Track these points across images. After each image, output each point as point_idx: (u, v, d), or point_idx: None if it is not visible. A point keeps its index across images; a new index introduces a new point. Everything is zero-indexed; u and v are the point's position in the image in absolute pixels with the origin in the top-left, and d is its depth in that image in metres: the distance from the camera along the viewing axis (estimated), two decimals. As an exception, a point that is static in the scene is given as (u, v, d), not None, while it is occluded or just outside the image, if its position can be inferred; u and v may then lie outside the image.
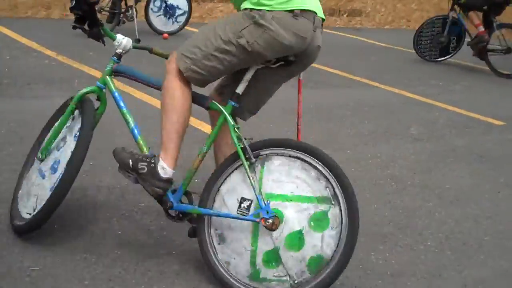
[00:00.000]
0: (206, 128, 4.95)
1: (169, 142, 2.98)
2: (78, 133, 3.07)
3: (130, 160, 2.96)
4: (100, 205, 3.47)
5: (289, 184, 2.74)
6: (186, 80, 2.95)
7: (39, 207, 2.96)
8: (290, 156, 2.79)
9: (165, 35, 8.78)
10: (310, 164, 2.75)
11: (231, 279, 2.77)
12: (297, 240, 2.70)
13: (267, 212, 2.67)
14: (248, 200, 2.76)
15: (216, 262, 2.81)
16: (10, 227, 3.09)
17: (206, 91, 3.17)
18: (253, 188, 2.70)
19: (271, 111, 5.69)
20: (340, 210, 2.70)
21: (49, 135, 3.26)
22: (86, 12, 3.08)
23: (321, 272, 2.70)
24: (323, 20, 2.91)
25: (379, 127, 5.62)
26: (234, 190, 2.82)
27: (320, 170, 2.73)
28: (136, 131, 3.10)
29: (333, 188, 2.72)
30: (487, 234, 3.73)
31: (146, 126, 4.83)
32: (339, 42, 10.28)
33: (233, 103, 2.94)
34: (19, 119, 4.64)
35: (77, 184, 3.65)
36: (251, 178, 2.70)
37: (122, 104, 3.18)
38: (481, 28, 8.94)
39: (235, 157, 2.85)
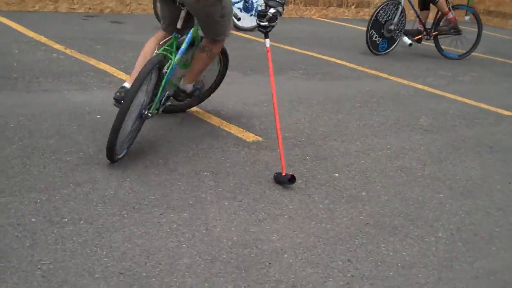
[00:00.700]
0: (214, 120, 4.95)
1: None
2: None
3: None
4: (109, 197, 3.47)
5: None
6: None
7: None
8: None
9: None
10: None
11: None
12: None
13: None
14: None
15: None
16: (20, 220, 3.10)
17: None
18: None
19: (280, 103, 5.68)
20: None
21: None
22: None
23: None
24: None
25: (388, 119, 5.60)
26: None
27: None
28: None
29: None
30: (498, 225, 3.71)
31: (154, 119, 4.84)
32: (347, 34, 10.24)
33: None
34: (28, 113, 4.65)
35: (86, 177, 3.67)
36: None
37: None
38: (451, 15, 8.91)
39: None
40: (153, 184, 3.71)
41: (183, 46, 4.31)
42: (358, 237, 3.36)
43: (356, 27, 11.38)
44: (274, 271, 2.93)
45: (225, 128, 4.81)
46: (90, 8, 9.66)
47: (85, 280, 2.70)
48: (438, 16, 8.99)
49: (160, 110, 4.39)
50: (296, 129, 4.99)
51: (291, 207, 3.62)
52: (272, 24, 4.17)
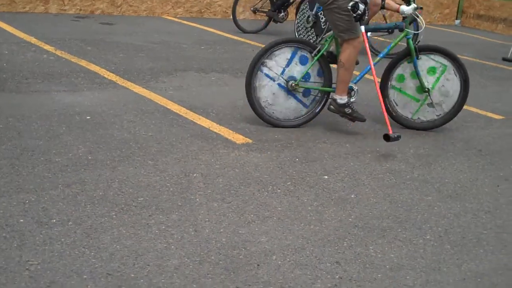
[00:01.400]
0: (204, 122, 4.95)
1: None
2: None
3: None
4: (98, 199, 3.47)
5: None
6: None
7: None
8: None
9: None
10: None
11: None
12: None
13: None
14: None
15: None
16: (8, 221, 3.09)
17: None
18: None
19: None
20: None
21: None
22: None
23: None
24: None
25: (378, 121, 5.61)
26: None
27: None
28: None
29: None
30: (486, 228, 3.73)
31: (144, 120, 4.85)
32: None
33: None
34: (17, 114, 4.63)
35: (75, 178, 3.67)
36: None
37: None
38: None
39: None
40: (142, 185, 3.71)
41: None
42: (346, 239, 3.36)
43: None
44: (263, 273, 2.93)
45: (215, 130, 4.81)
46: (80, 10, 9.64)
47: (73, 281, 2.69)
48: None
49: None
50: (286, 131, 5.00)
51: (280, 209, 3.63)
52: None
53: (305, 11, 8.71)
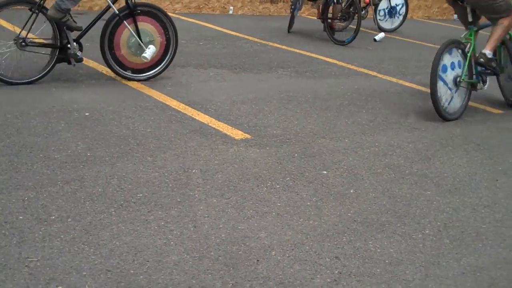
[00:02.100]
0: (203, 118, 4.95)
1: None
2: None
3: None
4: (97, 195, 3.47)
5: None
6: None
7: None
8: None
9: None
10: None
11: None
12: None
13: None
14: None
15: None
16: (7, 218, 3.09)
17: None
18: None
19: (269, 101, 5.69)
20: None
21: None
22: None
23: None
24: None
25: (377, 116, 5.62)
26: None
27: None
28: None
29: None
30: (485, 222, 3.73)
31: (143, 116, 4.85)
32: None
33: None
34: (15, 111, 4.63)
35: (74, 175, 3.67)
36: None
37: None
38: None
39: None
40: (141, 181, 3.71)
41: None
42: (345, 234, 3.37)
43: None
44: (262, 268, 2.94)
45: (214, 126, 4.81)
46: (79, 6, 9.60)
47: (73, 278, 2.70)
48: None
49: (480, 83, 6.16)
50: (284, 127, 5.00)
51: (279, 204, 3.63)
52: None
53: None
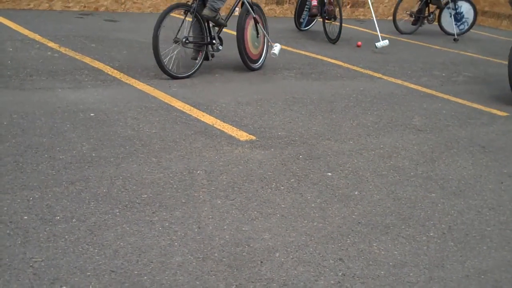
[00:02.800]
0: (208, 119, 4.95)
1: None
2: None
3: None
4: (102, 196, 3.48)
5: None
6: None
7: None
8: None
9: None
10: None
11: None
12: None
13: None
14: None
15: None
16: (12, 218, 3.10)
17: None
18: None
19: (274, 102, 5.70)
20: None
21: None
22: None
23: None
24: None
25: (382, 118, 5.61)
26: None
27: None
28: None
29: None
30: (490, 225, 3.73)
31: (148, 117, 4.85)
32: (342, 33, 10.25)
33: None
34: (21, 111, 4.64)
35: (79, 175, 3.67)
36: None
37: None
38: (314, 2, 9.36)
39: None
40: (145, 182, 3.72)
41: None
42: (350, 236, 3.37)
43: (351, 26, 11.39)
44: (266, 270, 2.94)
45: (219, 127, 4.82)
46: (85, 6, 9.65)
47: (77, 278, 2.70)
48: None
49: None
50: (289, 128, 5.00)
51: (283, 206, 3.63)
52: None
53: None
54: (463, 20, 11.68)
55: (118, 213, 3.31)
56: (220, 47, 6.57)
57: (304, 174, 4.14)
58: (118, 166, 3.89)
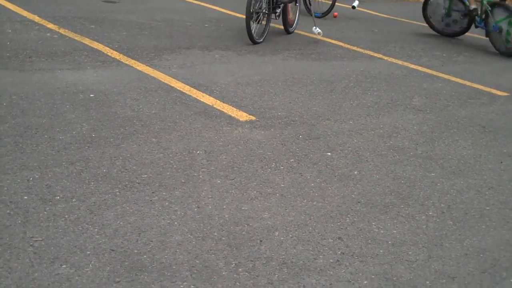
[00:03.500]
0: (208, 99, 4.95)
1: None
2: None
3: None
4: (102, 176, 3.48)
5: None
6: None
7: None
8: None
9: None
10: None
11: None
12: None
13: None
14: None
15: None
16: (12, 198, 3.11)
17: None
18: None
19: (274, 83, 5.68)
20: None
21: None
22: None
23: None
24: None
25: (382, 99, 5.60)
26: None
27: None
28: None
29: None
30: (489, 204, 3.74)
31: (148, 98, 4.85)
32: (343, 14, 10.21)
33: None
34: (20, 92, 4.64)
35: (79, 156, 3.68)
36: None
37: None
38: None
39: None
40: (145, 162, 3.72)
41: None
42: (349, 215, 3.38)
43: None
44: (265, 248, 2.95)
45: (218, 107, 4.81)
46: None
47: (77, 257, 2.72)
48: None
49: None
50: (289, 108, 5.00)
51: (283, 185, 3.64)
52: None
53: None
54: None
55: (118, 193, 3.32)
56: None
57: (304, 154, 4.14)
58: (118, 147, 3.89)
